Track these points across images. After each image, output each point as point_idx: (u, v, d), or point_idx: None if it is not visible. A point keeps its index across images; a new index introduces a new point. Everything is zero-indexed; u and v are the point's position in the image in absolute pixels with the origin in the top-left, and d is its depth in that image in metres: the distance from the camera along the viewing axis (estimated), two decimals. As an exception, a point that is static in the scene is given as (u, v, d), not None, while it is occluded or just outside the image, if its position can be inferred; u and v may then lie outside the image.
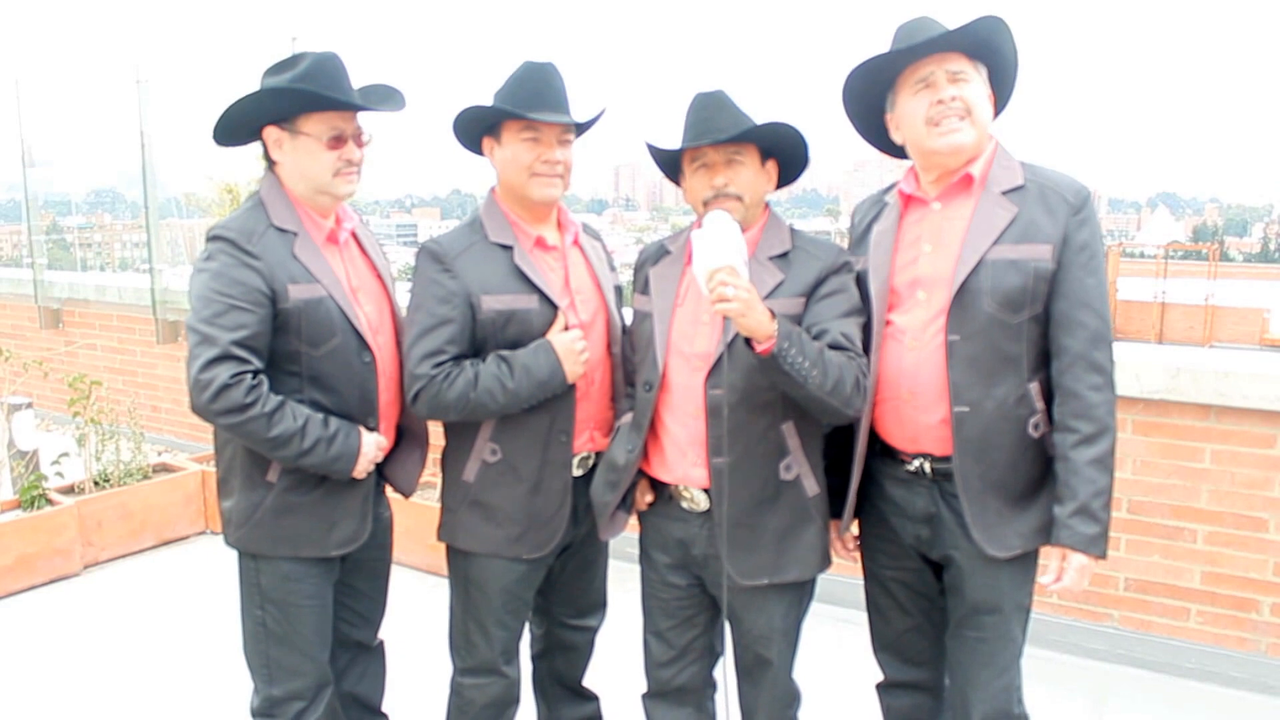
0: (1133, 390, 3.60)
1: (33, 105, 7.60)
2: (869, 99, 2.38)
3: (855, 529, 2.57)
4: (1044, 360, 2.23)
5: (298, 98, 2.35)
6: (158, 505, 5.06)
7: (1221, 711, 3.49)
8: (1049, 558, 2.26)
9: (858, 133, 2.47)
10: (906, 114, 2.27)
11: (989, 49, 2.25)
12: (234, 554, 2.53)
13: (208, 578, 4.65)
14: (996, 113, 2.35)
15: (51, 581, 4.62)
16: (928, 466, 2.30)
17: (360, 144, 2.46)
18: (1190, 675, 3.66)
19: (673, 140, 2.34)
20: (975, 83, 2.23)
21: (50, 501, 4.73)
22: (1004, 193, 2.22)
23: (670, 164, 2.43)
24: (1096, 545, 2.18)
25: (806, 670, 2.61)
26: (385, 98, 2.50)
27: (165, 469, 5.30)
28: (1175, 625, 3.71)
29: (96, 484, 4.97)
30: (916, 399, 2.26)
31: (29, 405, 5.40)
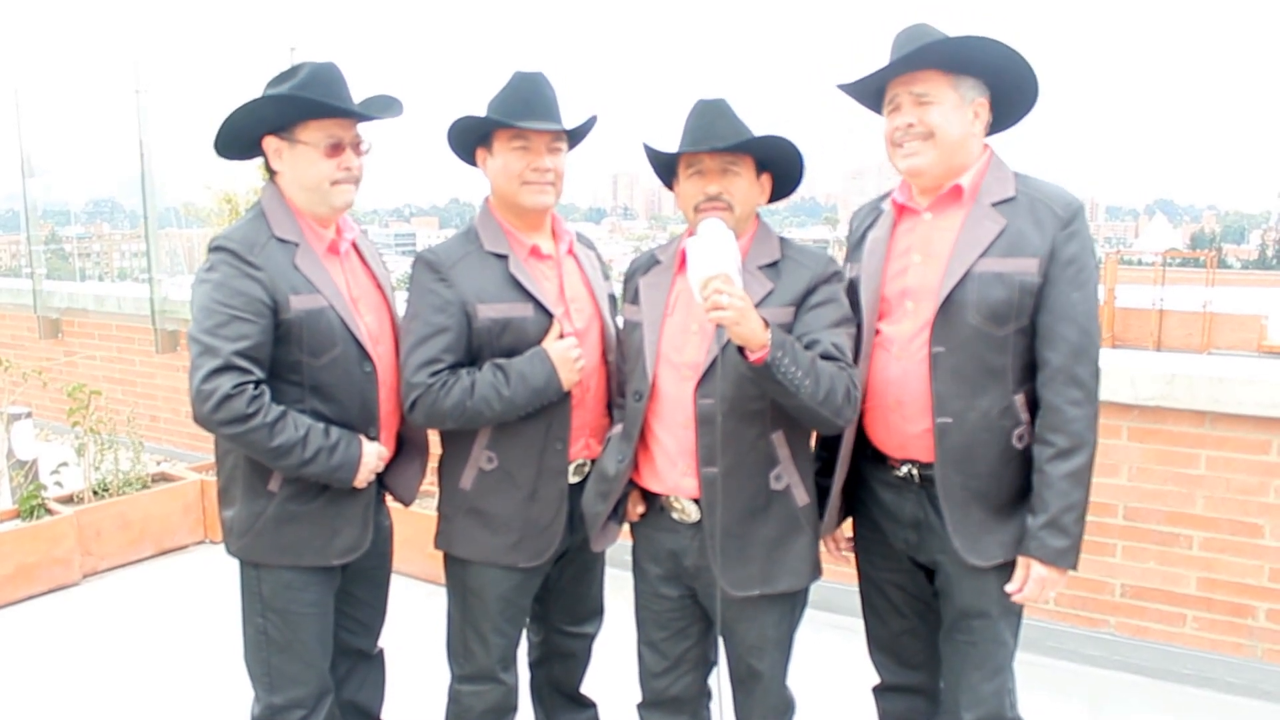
0: (1128, 397, 3.62)
1: (32, 115, 7.62)
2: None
3: (849, 531, 2.59)
4: (1030, 372, 2.23)
5: (295, 105, 2.37)
6: (157, 515, 5.06)
7: (1218, 717, 3.50)
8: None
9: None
10: (885, 132, 2.33)
11: (962, 63, 2.22)
12: (233, 563, 2.54)
13: (207, 587, 4.66)
14: (1004, 119, 2.34)
15: (51, 591, 4.62)
16: (915, 473, 2.32)
17: (359, 152, 2.48)
18: (1186, 681, 3.66)
19: (671, 144, 2.35)
20: (943, 104, 2.22)
21: (49, 511, 4.74)
22: (994, 204, 2.23)
23: (666, 168, 2.44)
24: (1065, 559, 2.20)
25: (801, 677, 2.62)
26: (384, 106, 2.51)
27: (164, 478, 5.31)
28: (1171, 631, 3.72)
29: (95, 493, 4.97)
30: (903, 408, 2.28)
31: (28, 415, 5.40)
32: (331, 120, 2.41)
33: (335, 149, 2.41)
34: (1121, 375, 3.60)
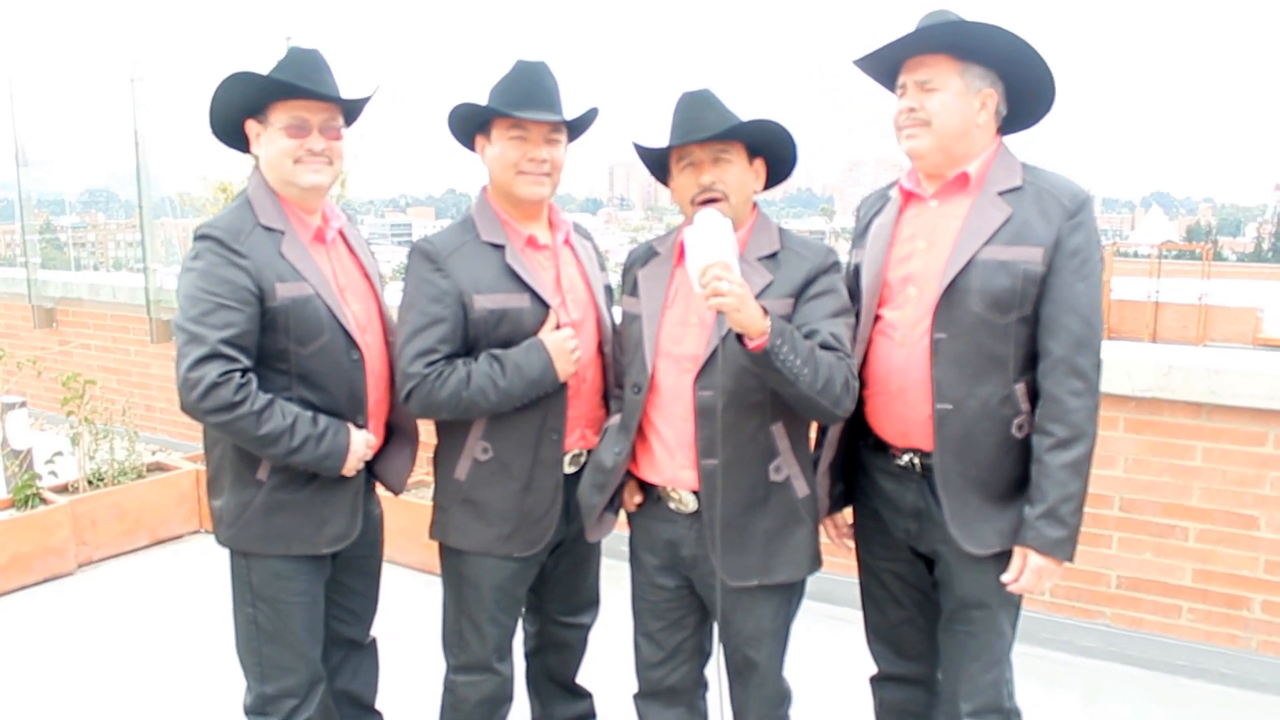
0: (1124, 389, 3.62)
1: (27, 104, 7.58)
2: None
3: (849, 518, 2.58)
4: (1032, 362, 2.23)
5: (257, 85, 2.37)
6: (152, 504, 5.06)
7: (1212, 708, 3.50)
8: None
9: None
10: (893, 115, 2.32)
11: (969, 49, 2.21)
12: (227, 553, 2.54)
13: (202, 577, 4.64)
14: (1022, 117, 2.32)
15: (45, 581, 4.61)
16: (917, 461, 2.31)
17: (330, 136, 2.45)
18: (1181, 672, 3.67)
19: (661, 140, 2.34)
20: (946, 91, 2.21)
21: (44, 501, 4.73)
22: (1000, 193, 2.22)
23: (658, 164, 2.43)
24: (1061, 549, 2.19)
25: (798, 668, 2.62)
26: (353, 94, 2.49)
27: (159, 468, 5.30)
28: (1167, 623, 3.72)
29: (90, 483, 4.96)
30: (905, 395, 2.28)
31: (23, 404, 5.38)
32: (298, 102, 2.39)
33: (298, 130, 2.40)
34: (1118, 367, 3.60)
